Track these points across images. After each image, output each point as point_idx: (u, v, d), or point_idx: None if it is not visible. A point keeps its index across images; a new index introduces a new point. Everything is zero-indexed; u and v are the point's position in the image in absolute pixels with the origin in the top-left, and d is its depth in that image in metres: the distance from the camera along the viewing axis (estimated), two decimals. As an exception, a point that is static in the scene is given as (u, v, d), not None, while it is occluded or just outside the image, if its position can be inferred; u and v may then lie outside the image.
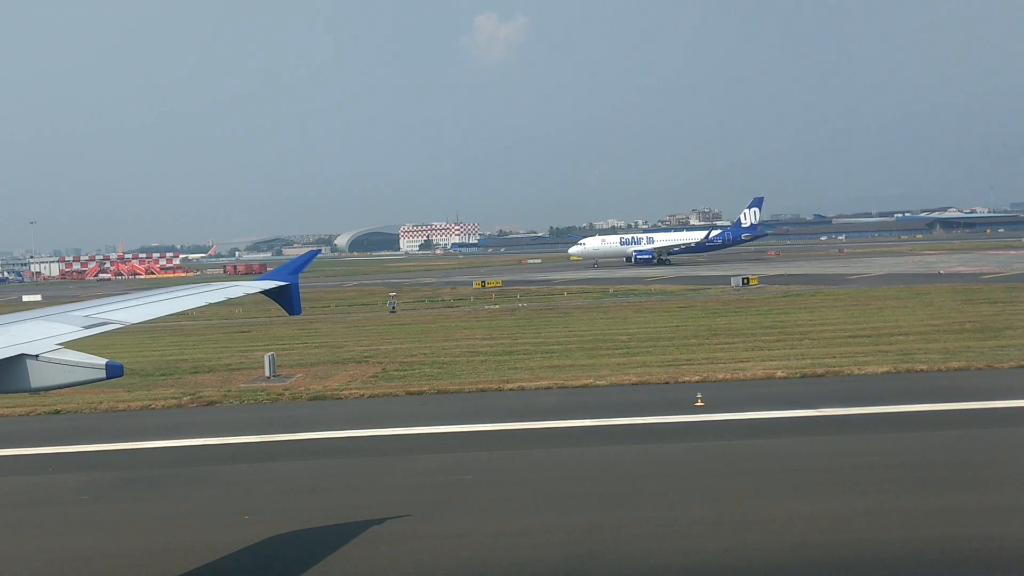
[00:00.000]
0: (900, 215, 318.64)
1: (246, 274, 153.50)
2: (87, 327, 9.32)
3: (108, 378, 8.16)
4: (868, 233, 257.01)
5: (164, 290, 12.15)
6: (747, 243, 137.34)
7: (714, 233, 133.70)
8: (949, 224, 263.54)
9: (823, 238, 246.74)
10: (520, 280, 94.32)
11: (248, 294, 12.51)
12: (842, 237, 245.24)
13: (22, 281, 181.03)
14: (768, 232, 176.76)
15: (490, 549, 14.36)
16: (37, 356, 8.04)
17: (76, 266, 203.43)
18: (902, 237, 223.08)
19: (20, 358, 8.02)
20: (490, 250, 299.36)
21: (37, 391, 8.34)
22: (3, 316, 9.96)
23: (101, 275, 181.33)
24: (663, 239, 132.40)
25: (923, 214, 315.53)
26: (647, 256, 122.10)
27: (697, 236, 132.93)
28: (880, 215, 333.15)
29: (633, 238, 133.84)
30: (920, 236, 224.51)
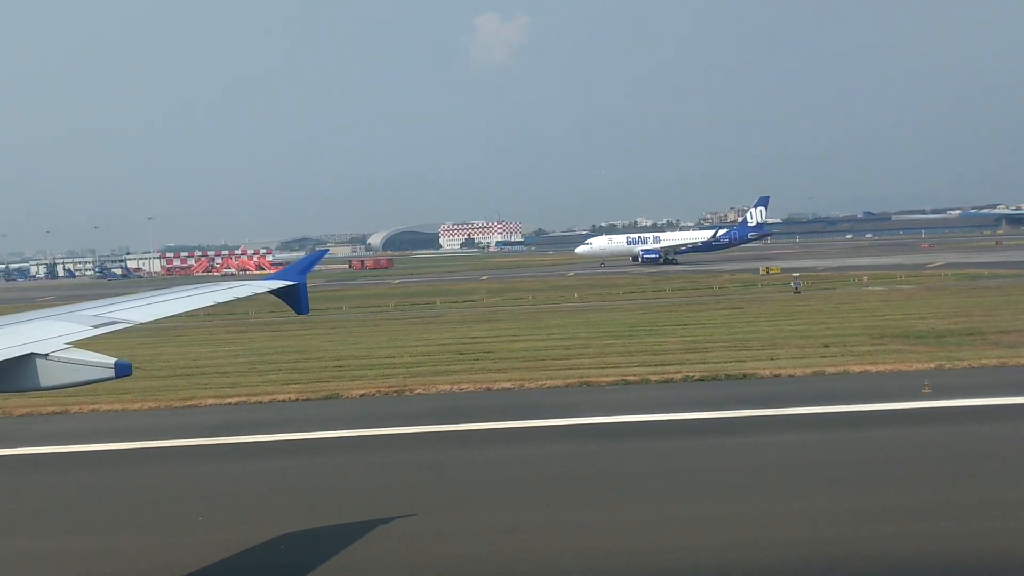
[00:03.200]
0: (955, 211, 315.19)
1: (374, 268, 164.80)
2: (96, 326, 9.68)
3: (116, 377, 8.45)
4: (938, 229, 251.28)
5: (171, 290, 12.51)
6: (753, 242, 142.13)
7: (721, 232, 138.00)
8: (1014, 220, 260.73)
9: (925, 235, 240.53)
10: (787, 268, 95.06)
11: (256, 294, 12.85)
12: (919, 233, 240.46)
13: (138, 277, 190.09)
14: (774, 231, 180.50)
15: None
16: (47, 355, 8.35)
17: (176, 262, 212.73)
18: (985, 232, 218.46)
19: (30, 357, 8.33)
20: (533, 248, 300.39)
21: (46, 390, 8.71)
22: (13, 315, 10.37)
23: (226, 271, 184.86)
24: (669, 238, 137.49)
25: (972, 211, 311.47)
26: (654, 255, 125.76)
27: (704, 235, 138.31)
28: (934, 212, 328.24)
29: (640, 237, 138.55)
30: (1001, 231, 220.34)
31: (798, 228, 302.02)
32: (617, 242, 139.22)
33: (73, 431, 26.36)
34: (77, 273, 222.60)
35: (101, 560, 15.36)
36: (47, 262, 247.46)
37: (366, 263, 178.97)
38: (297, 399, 29.65)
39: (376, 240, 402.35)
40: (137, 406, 29.77)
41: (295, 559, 14.85)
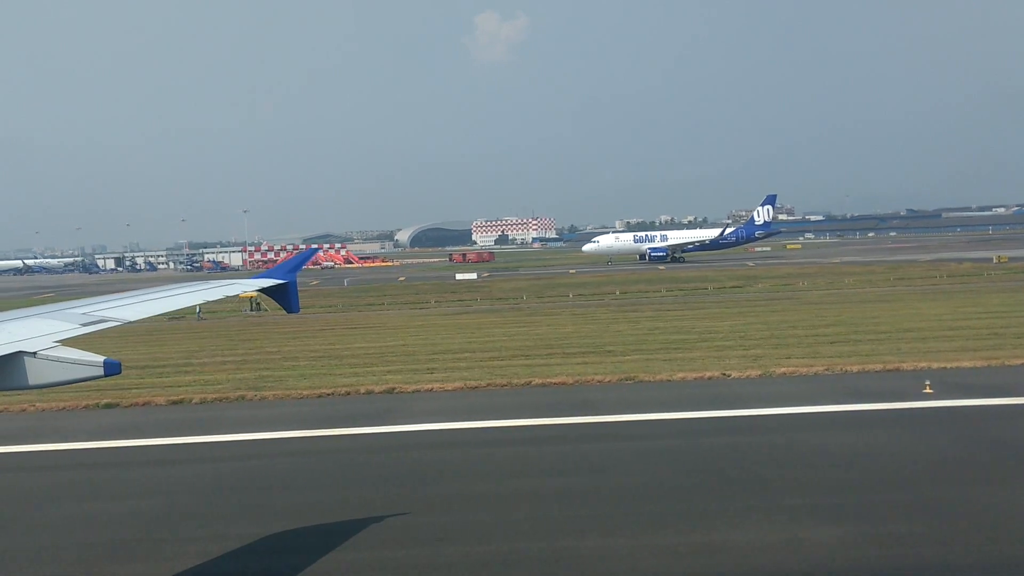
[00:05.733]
0: (999, 208, 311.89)
1: (477, 261, 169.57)
2: (85, 324, 9.94)
3: (106, 376, 8.69)
4: (1001, 226, 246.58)
5: (160, 288, 12.78)
6: (760, 240, 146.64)
7: (728, 230, 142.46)
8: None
9: (992, 231, 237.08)
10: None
11: (246, 292, 13.07)
12: (964, 231, 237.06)
13: (234, 270, 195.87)
14: (781, 230, 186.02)
15: None
16: (35, 354, 8.58)
17: (257, 256, 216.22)
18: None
19: (18, 355, 8.56)
20: (565, 244, 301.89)
21: (35, 389, 8.96)
22: (0, 313, 10.66)
23: (326, 264, 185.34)
24: (677, 236, 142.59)
25: (1016, 208, 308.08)
26: (661, 254, 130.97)
27: (711, 233, 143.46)
28: (980, 209, 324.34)
29: (647, 236, 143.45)
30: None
31: (845, 225, 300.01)
32: (624, 240, 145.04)
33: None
34: (159, 267, 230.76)
35: None
36: (116, 255, 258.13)
37: (468, 257, 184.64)
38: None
39: (403, 236, 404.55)
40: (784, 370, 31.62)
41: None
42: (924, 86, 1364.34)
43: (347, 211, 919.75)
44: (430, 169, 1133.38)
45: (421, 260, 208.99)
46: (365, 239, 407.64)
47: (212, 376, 36.63)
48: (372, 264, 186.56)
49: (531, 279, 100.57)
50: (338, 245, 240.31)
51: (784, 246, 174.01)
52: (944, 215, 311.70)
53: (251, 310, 69.72)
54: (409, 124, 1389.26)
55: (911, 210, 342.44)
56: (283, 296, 13.30)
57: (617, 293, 73.07)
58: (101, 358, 8.57)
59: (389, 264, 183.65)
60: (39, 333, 9.44)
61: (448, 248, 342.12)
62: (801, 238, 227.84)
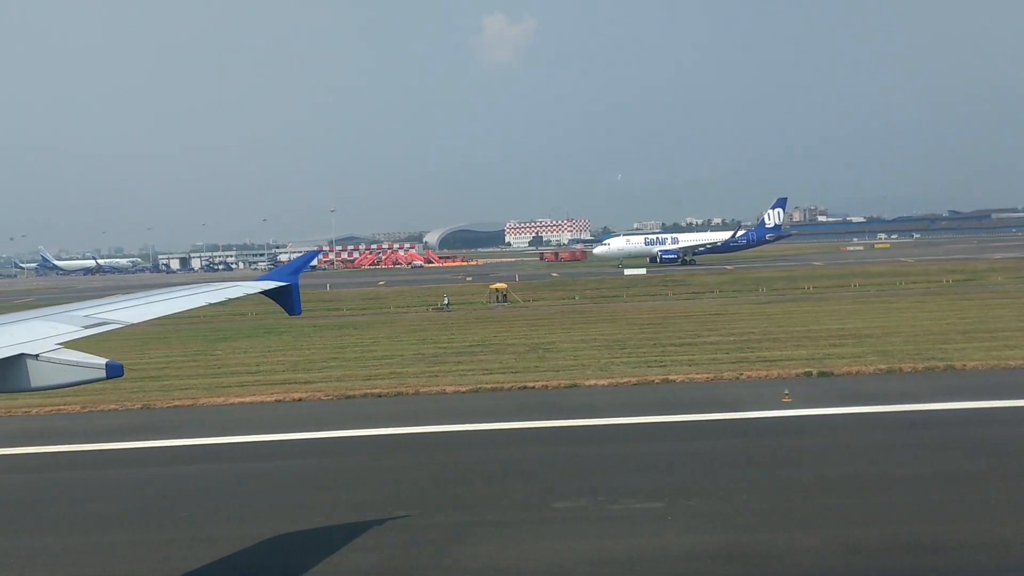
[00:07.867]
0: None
1: (570, 260, 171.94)
2: (87, 327, 10.11)
3: (108, 378, 8.81)
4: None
5: (163, 290, 12.96)
6: (770, 243, 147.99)
7: (739, 233, 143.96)
8: None
9: None
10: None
11: (248, 294, 13.23)
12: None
13: (323, 270, 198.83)
14: (792, 233, 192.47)
15: None
16: (37, 356, 8.74)
17: (331, 256, 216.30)
18: None
19: (20, 358, 8.73)
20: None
21: (37, 391, 9.13)
22: (3, 315, 10.86)
23: (414, 264, 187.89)
24: (688, 239, 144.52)
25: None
26: (672, 256, 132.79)
27: (722, 236, 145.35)
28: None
29: (658, 238, 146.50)
30: None
31: (889, 227, 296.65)
32: (635, 242, 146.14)
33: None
34: (234, 267, 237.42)
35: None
36: (180, 256, 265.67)
37: (560, 255, 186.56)
38: None
39: (432, 239, 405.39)
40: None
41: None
42: (930, 89, 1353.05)
43: (369, 213, 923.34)
44: (450, 171, 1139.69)
45: (498, 260, 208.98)
46: (394, 240, 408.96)
47: (762, 354, 37.75)
48: (454, 263, 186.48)
49: (707, 274, 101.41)
50: (408, 246, 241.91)
51: (872, 246, 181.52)
52: (994, 216, 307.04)
53: (497, 301, 71.11)
54: (423, 127, 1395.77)
55: (953, 211, 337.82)
56: (285, 298, 13.45)
57: (855, 285, 73.39)
58: (103, 360, 8.67)
59: (472, 263, 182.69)
60: (41, 335, 9.59)
61: (481, 249, 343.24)
62: (863, 238, 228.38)
